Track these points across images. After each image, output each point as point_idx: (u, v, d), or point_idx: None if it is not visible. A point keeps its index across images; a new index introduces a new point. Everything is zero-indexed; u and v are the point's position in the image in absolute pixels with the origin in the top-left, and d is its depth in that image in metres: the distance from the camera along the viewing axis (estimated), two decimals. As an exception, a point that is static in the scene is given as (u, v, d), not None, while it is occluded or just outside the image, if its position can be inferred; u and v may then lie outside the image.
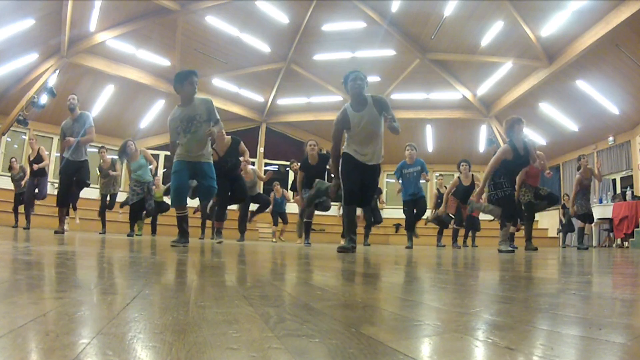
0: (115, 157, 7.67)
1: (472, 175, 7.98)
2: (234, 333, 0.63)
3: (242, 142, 5.92)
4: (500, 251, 5.19)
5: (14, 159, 9.40)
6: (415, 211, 7.25)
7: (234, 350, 0.54)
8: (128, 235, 7.06)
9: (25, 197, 8.21)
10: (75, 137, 5.72)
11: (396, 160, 14.37)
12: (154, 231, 9.27)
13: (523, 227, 6.93)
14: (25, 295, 0.90)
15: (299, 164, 6.89)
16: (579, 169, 7.92)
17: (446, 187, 9.23)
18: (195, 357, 0.51)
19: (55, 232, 5.74)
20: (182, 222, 4.24)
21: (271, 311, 0.82)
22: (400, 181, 7.30)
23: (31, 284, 1.09)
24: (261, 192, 7.96)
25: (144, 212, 7.73)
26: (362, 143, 4.12)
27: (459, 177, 8.01)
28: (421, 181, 7.21)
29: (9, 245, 2.87)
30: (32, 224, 8.64)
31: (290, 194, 10.74)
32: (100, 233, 7.56)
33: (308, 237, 7.10)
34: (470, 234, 9.09)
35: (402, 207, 7.44)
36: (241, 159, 5.90)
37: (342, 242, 8.01)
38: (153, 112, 13.46)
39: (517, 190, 6.03)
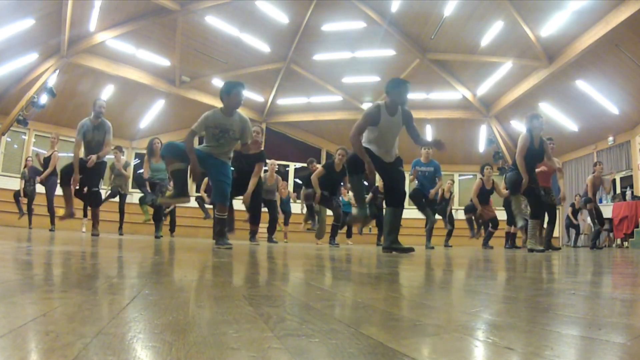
0: (133, 161, 7.74)
1: (493, 180, 8.09)
2: (234, 333, 0.63)
3: (267, 162, 6.08)
4: (529, 250, 5.29)
5: (30, 159, 9.36)
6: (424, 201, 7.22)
7: (234, 350, 0.54)
8: (155, 237, 6.98)
9: (29, 195, 8.24)
10: (95, 144, 5.77)
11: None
12: (172, 230, 9.27)
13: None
14: (25, 295, 0.90)
15: (320, 165, 7.08)
16: (593, 172, 8.31)
17: (451, 191, 9.24)
18: (195, 357, 0.51)
19: (61, 218, 5.78)
20: (181, 177, 4.10)
21: (271, 311, 0.82)
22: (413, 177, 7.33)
23: (31, 284, 1.09)
24: (277, 200, 8.02)
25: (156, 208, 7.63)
26: (381, 145, 4.25)
27: (481, 180, 8.09)
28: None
29: (9, 245, 2.87)
30: (33, 224, 8.64)
31: (293, 194, 10.90)
32: (92, 235, 7.55)
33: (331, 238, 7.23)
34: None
35: (415, 207, 7.42)
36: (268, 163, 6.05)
37: (350, 242, 8.06)
38: (153, 112, 13.45)
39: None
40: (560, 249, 6.81)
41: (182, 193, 4.05)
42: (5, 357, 0.47)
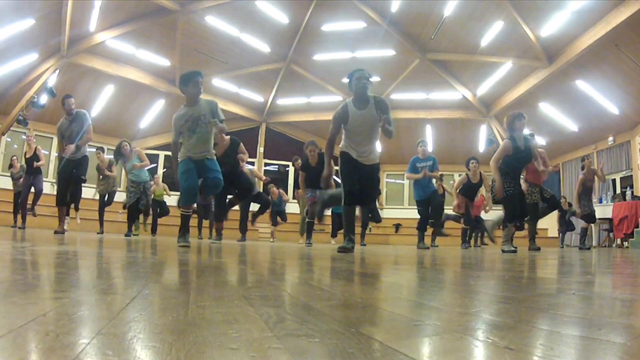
0: (112, 156, 7.70)
1: (480, 173, 7.97)
2: (234, 333, 0.63)
3: (241, 144, 5.97)
4: (503, 251, 5.23)
5: (15, 157, 9.47)
6: (430, 210, 7.15)
7: (234, 350, 0.54)
8: (126, 236, 7.06)
9: (22, 195, 8.24)
10: (75, 136, 5.74)
11: (396, 161, 14.23)
12: (154, 231, 9.26)
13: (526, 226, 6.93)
14: (25, 295, 0.90)
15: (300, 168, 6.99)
16: (582, 169, 8.09)
17: (444, 186, 9.24)
18: (195, 357, 0.51)
19: (55, 232, 5.73)
20: (187, 221, 4.31)
21: (271, 311, 0.82)
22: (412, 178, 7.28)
23: (31, 284, 1.09)
24: (261, 191, 7.98)
25: (142, 212, 7.71)
26: (359, 142, 4.16)
27: (467, 175, 7.98)
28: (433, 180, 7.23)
29: (8, 245, 2.87)
30: (32, 223, 8.64)
31: (286, 194, 10.83)
32: (98, 233, 7.56)
33: (310, 237, 7.13)
34: (477, 232, 9.09)
35: (415, 207, 7.41)
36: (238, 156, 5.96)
37: (333, 241, 8.03)
38: (153, 112, 13.46)
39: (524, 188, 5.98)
40: (539, 249, 6.74)
41: (185, 239, 4.20)
42: (5, 357, 0.47)
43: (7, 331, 0.57)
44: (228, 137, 5.93)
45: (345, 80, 4.30)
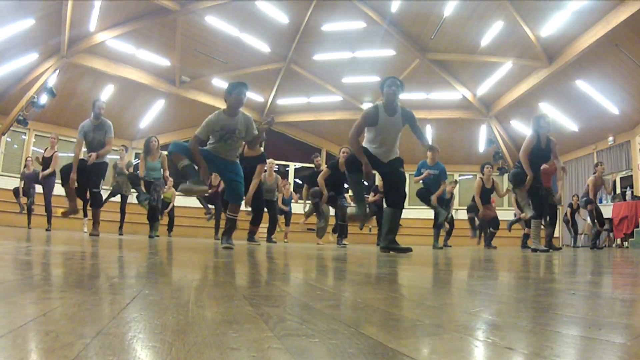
0: (133, 160, 7.73)
1: (493, 179, 8.07)
2: (234, 333, 0.63)
3: (267, 162, 6.18)
4: (533, 250, 5.30)
5: (30, 158, 9.30)
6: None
7: (234, 350, 0.54)
8: (149, 237, 7.02)
9: (26, 185, 8.25)
10: (96, 144, 5.79)
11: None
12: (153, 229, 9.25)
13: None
14: (25, 295, 0.90)
15: (326, 164, 7.11)
16: (594, 173, 8.35)
17: (452, 193, 9.24)
18: (195, 357, 0.51)
19: (64, 214, 5.84)
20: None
21: (271, 311, 0.82)
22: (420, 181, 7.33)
23: (31, 284, 1.09)
24: (279, 201, 8.12)
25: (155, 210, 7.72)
26: (381, 144, 4.24)
27: (481, 179, 8.04)
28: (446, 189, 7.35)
29: (9, 245, 2.87)
30: (32, 224, 8.64)
31: (295, 195, 10.87)
32: (91, 234, 7.56)
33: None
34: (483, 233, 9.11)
35: (415, 207, 7.47)
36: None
37: (332, 238, 8.02)
38: (153, 112, 13.45)
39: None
40: (561, 248, 6.81)
41: (199, 181, 3.98)
42: (5, 357, 0.47)
43: (7, 331, 0.57)
44: (261, 148, 6.08)
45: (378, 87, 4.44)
